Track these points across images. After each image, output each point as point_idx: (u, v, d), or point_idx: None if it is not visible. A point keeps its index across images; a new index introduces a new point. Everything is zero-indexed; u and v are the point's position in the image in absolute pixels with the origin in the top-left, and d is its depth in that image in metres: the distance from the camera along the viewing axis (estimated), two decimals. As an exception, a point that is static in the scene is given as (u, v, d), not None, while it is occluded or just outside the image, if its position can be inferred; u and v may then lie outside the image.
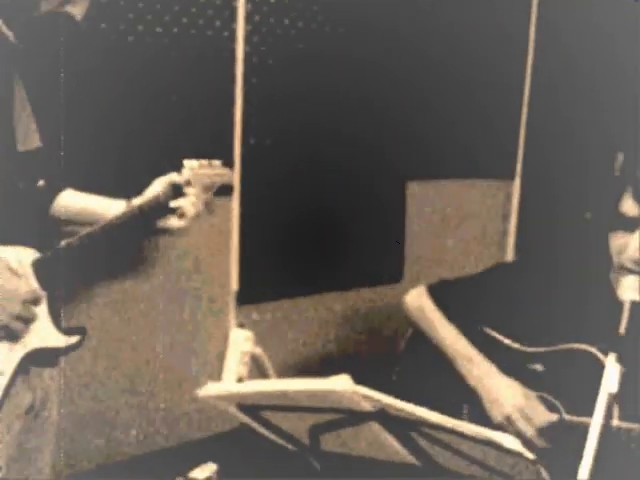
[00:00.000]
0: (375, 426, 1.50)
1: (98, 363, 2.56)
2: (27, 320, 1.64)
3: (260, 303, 2.96)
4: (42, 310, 1.71)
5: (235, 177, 2.67)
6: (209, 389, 1.45)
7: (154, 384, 2.71)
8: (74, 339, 1.76)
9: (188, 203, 1.85)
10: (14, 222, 1.71)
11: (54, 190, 1.93)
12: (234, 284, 2.85)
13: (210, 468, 2.51)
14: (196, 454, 2.60)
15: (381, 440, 1.54)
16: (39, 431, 1.85)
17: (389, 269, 3.33)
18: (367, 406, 1.43)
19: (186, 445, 2.78)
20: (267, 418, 1.60)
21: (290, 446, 1.77)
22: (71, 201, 1.94)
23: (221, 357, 2.82)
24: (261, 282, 2.91)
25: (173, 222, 1.86)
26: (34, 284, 1.68)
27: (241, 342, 2.81)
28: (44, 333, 1.71)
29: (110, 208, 1.89)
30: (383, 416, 1.46)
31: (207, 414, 2.83)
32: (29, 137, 1.82)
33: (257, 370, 2.89)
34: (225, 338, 2.81)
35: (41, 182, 1.88)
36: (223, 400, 1.50)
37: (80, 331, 1.78)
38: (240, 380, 2.80)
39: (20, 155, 1.78)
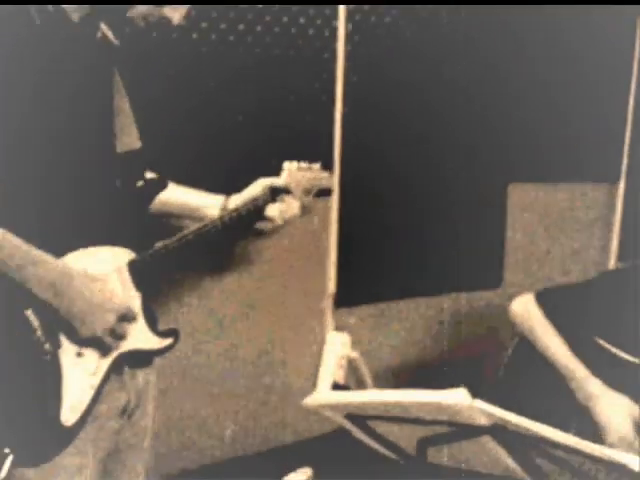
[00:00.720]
0: (488, 440, 1.44)
1: (192, 365, 2.55)
2: (119, 336, 1.62)
3: (357, 306, 2.91)
4: (138, 312, 1.69)
5: (334, 180, 2.62)
6: (317, 398, 1.41)
7: (249, 386, 2.69)
8: (168, 341, 1.75)
9: (285, 207, 1.85)
10: (112, 223, 1.69)
11: (154, 190, 1.94)
12: (331, 287, 2.82)
13: (305, 472, 2.49)
14: (291, 458, 2.60)
15: (493, 455, 1.48)
16: (133, 433, 1.83)
17: (488, 274, 3.25)
18: (483, 420, 1.37)
19: (280, 449, 2.75)
20: (373, 427, 1.56)
21: (394, 456, 1.72)
22: (170, 196, 1.94)
23: (317, 360, 2.79)
24: (358, 285, 2.87)
25: (269, 225, 1.86)
26: (127, 287, 1.67)
27: (338, 345, 2.77)
28: (138, 334, 1.69)
29: (207, 203, 1.90)
30: (498, 431, 1.41)
31: (302, 418, 2.80)
32: (129, 138, 1.82)
33: (353, 374, 2.85)
34: (321, 341, 2.78)
35: (140, 183, 1.89)
36: (331, 410, 1.45)
37: (174, 333, 1.76)
38: (336, 384, 2.76)
39: (119, 156, 1.77)
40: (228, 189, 1.92)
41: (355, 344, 2.82)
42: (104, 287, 1.62)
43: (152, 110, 2.06)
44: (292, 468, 2.47)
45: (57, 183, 1.60)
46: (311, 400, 1.42)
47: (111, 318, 1.60)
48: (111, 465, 1.81)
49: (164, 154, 2.11)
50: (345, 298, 2.85)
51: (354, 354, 2.79)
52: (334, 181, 2.61)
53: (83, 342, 1.60)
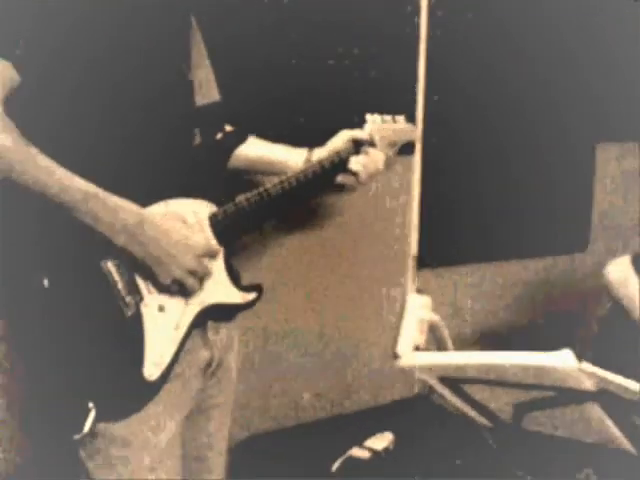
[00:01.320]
0: (594, 407, 1.35)
1: (274, 322, 2.49)
2: (201, 276, 1.57)
3: (439, 268, 2.82)
4: (219, 266, 1.65)
5: (417, 134, 2.51)
6: (412, 358, 1.34)
7: (329, 347, 2.63)
8: (251, 296, 1.71)
9: (369, 160, 1.79)
10: (191, 176, 1.66)
11: (233, 143, 1.89)
12: (413, 247, 2.73)
13: (386, 437, 2.43)
14: (370, 423, 2.54)
15: (597, 422, 1.39)
16: (217, 390, 1.80)
17: (574, 237, 3.12)
18: (588, 385, 1.28)
19: (360, 413, 2.69)
20: (467, 392, 1.49)
21: (485, 421, 1.65)
22: (251, 150, 1.89)
23: (397, 323, 2.71)
24: (441, 246, 2.77)
25: (352, 179, 1.80)
26: (211, 239, 1.61)
27: (418, 309, 2.68)
28: (221, 289, 1.65)
29: (290, 157, 1.84)
30: (603, 396, 1.31)
31: (381, 382, 2.75)
32: (208, 90, 1.78)
33: (434, 339, 2.77)
34: (402, 303, 2.70)
35: (220, 135, 1.84)
36: (426, 371, 1.37)
37: (257, 288, 1.72)
38: (417, 347, 2.68)
39: (198, 109, 1.73)
40: (310, 143, 1.86)
41: (437, 308, 2.72)
42: (180, 226, 1.57)
43: (231, 62, 2.01)
44: (372, 432, 2.42)
45: (136, 136, 1.56)
46: (406, 360, 1.35)
47: (191, 258, 1.55)
48: (195, 424, 1.79)
49: (244, 107, 2.05)
50: (427, 260, 2.75)
51: (436, 318, 2.70)
52: (417, 135, 2.49)
53: (164, 289, 1.55)
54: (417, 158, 2.66)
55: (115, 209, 1.48)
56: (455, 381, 1.43)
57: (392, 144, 1.86)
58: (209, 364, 1.72)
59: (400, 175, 2.65)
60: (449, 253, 2.79)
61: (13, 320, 1.54)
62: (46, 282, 1.46)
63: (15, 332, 1.57)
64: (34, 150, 1.43)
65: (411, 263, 2.72)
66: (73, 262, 1.49)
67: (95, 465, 1.59)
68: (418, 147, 2.63)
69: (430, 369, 1.41)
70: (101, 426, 1.53)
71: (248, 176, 1.91)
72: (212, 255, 1.61)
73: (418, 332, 2.67)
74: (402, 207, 2.70)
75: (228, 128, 1.87)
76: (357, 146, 1.80)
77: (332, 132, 1.85)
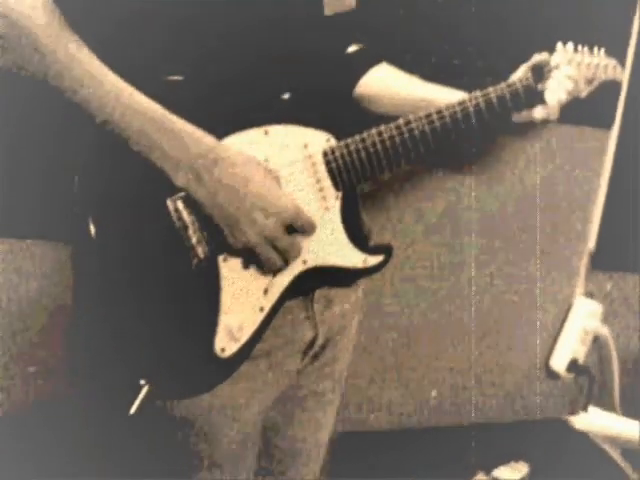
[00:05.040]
0: None
1: (398, 296, 2.07)
2: (284, 250, 1.18)
3: (617, 272, 2.32)
4: (333, 217, 1.25)
5: (623, 75, 1.80)
6: (588, 421, 0.94)
7: (467, 342, 2.19)
8: (375, 259, 1.29)
9: (556, 87, 1.38)
10: (311, 98, 1.26)
11: (365, 62, 1.49)
12: (591, 242, 2.24)
13: (521, 469, 2.00)
14: (501, 445, 2.11)
15: None
16: (318, 377, 1.43)
17: None
18: None
19: (491, 430, 2.25)
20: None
21: None
22: (384, 77, 1.49)
23: (556, 327, 2.26)
24: (623, 246, 2.27)
25: (538, 111, 1.39)
26: (321, 181, 1.23)
27: (585, 315, 2.22)
28: (334, 247, 1.26)
29: (439, 94, 1.43)
30: None
31: (522, 396, 2.29)
32: None
33: (597, 354, 2.30)
34: (567, 305, 2.23)
35: (352, 48, 1.45)
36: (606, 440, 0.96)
37: (385, 250, 1.30)
38: (574, 361, 2.22)
39: (327, 20, 1.35)
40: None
41: (606, 318, 2.25)
42: (268, 178, 1.18)
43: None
44: (503, 458, 1.99)
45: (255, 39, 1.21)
46: (580, 424, 0.96)
47: (275, 222, 1.16)
48: (285, 415, 1.43)
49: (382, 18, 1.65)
50: (605, 260, 2.27)
51: (604, 330, 2.24)
52: (623, 75, 1.89)
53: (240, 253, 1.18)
54: (616, 128, 2.15)
55: (182, 139, 1.13)
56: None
57: (588, 80, 1.45)
58: (311, 344, 1.35)
59: (588, 149, 2.16)
60: (632, 256, 2.29)
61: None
62: (92, 229, 1.13)
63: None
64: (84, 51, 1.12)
65: (585, 260, 2.24)
66: (126, 200, 1.15)
67: None
68: (622, 99, 2.10)
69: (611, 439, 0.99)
70: (159, 404, 1.20)
71: (376, 110, 1.50)
72: (305, 228, 1.21)
73: (579, 343, 2.23)
74: (586, 193, 2.21)
75: (354, 47, 1.48)
76: (538, 75, 1.39)
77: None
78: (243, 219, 1.14)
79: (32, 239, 1.71)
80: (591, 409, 2.03)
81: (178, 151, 1.12)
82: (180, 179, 1.13)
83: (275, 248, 1.17)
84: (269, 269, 1.19)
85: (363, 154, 1.25)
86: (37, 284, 1.72)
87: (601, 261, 2.27)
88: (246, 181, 1.14)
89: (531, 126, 1.46)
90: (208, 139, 1.14)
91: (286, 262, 1.19)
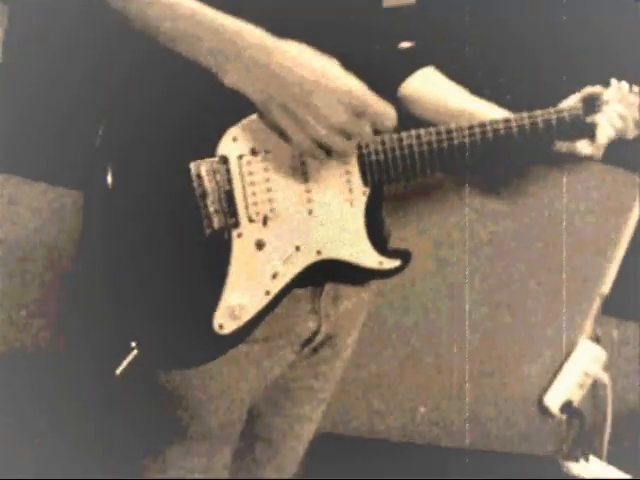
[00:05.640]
0: None
1: (408, 309, 2.04)
2: (352, 135, 1.10)
3: (627, 320, 2.27)
4: (356, 212, 1.21)
5: None
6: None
7: (465, 362, 2.15)
8: (392, 263, 1.25)
9: (606, 123, 1.35)
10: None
11: (417, 60, 1.46)
12: (606, 284, 2.20)
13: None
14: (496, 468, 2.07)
15: None
16: (313, 372, 1.40)
17: None
18: None
19: (477, 456, 2.21)
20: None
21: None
22: (433, 83, 1.46)
23: (555, 366, 2.21)
24: (637, 296, 2.23)
25: (583, 146, 1.37)
26: (354, 177, 1.19)
27: (587, 359, 2.18)
28: (352, 243, 1.21)
29: (482, 109, 1.41)
30: None
31: (516, 426, 2.24)
32: None
33: (591, 400, 2.25)
34: (571, 343, 2.19)
35: (404, 44, 1.41)
36: None
37: (403, 256, 1.26)
38: (569, 403, 2.18)
39: (385, 12, 1.31)
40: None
41: (608, 365, 2.20)
42: (324, 61, 1.09)
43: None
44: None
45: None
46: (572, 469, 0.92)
47: (343, 111, 1.06)
48: (272, 404, 1.40)
49: (439, 21, 1.61)
50: (616, 306, 2.22)
51: (604, 377, 2.19)
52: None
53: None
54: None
55: (229, 33, 1.07)
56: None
57: (637, 123, 1.42)
58: (312, 337, 1.31)
59: (619, 192, 2.12)
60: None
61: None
62: (109, 179, 1.09)
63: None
64: None
65: (597, 303, 2.19)
66: (149, 155, 1.11)
67: None
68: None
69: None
70: (163, 374, 1.19)
71: (415, 112, 1.46)
72: (376, 112, 1.10)
73: (577, 386, 2.19)
74: (609, 236, 2.16)
75: (406, 44, 1.44)
76: (588, 107, 1.35)
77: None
78: (302, 110, 1.06)
79: (43, 181, 1.68)
80: (592, 459, 1.99)
81: (226, 44, 1.06)
82: (229, 76, 1.07)
83: (344, 134, 1.09)
84: (341, 157, 1.14)
85: (398, 154, 1.21)
86: (39, 224, 1.69)
87: (612, 307, 2.22)
88: (302, 67, 1.06)
89: (570, 158, 1.43)
90: (257, 32, 1.08)
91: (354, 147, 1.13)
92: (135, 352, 1.10)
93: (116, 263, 1.11)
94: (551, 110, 1.31)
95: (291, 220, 1.16)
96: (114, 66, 1.14)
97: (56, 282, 1.66)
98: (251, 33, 1.07)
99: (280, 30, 1.11)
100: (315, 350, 1.35)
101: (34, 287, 1.69)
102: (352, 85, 1.08)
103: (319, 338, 1.32)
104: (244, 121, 1.12)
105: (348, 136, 1.09)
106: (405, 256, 1.26)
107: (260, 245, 1.14)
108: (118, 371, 1.10)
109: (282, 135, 1.10)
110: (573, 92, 1.42)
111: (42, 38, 1.51)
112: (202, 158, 1.11)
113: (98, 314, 1.13)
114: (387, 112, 1.10)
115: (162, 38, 1.07)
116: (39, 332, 1.71)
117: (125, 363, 1.10)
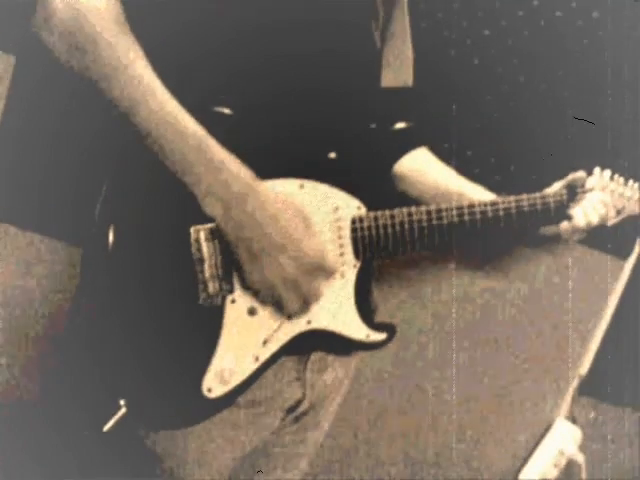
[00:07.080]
0: None
1: (393, 375, 2.07)
2: (306, 297, 1.18)
3: (603, 402, 2.30)
4: (347, 285, 1.25)
5: None
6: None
7: (437, 428, 2.16)
8: (378, 336, 1.29)
9: (589, 209, 1.40)
10: (353, 168, 1.27)
11: (411, 141, 1.50)
12: (585, 366, 2.23)
13: None
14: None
15: None
16: (294, 440, 1.41)
17: None
18: None
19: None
20: None
21: None
22: (424, 164, 1.50)
23: (531, 443, 2.22)
24: (615, 378, 2.26)
25: (565, 227, 1.40)
26: (342, 248, 1.23)
27: (563, 438, 2.20)
28: (341, 315, 1.25)
29: (471, 191, 1.44)
30: None
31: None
32: (400, 73, 1.45)
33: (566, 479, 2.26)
34: (547, 422, 2.21)
35: (399, 125, 1.45)
36: None
37: (389, 329, 1.30)
38: (543, 483, 2.19)
39: (382, 92, 1.40)
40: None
41: (584, 447, 2.22)
42: (297, 220, 1.17)
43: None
44: None
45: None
46: None
47: (298, 267, 1.15)
48: (250, 466, 1.40)
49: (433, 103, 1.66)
50: (594, 388, 2.25)
51: (579, 457, 2.21)
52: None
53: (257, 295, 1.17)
54: (631, 261, 2.16)
55: (219, 169, 1.12)
56: None
57: (617, 211, 1.47)
58: (295, 406, 1.33)
59: (600, 274, 2.17)
60: (625, 389, 2.27)
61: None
62: (111, 237, 1.13)
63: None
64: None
65: (575, 383, 2.22)
66: (150, 218, 1.15)
67: None
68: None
69: None
70: (151, 435, 1.21)
71: (407, 191, 1.52)
72: (326, 274, 1.20)
73: (552, 465, 2.20)
74: (590, 318, 2.20)
75: (399, 125, 1.49)
76: (571, 193, 1.41)
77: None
78: (266, 258, 1.13)
79: (43, 235, 1.71)
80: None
81: (212, 179, 1.12)
82: (209, 207, 1.12)
83: (295, 290, 1.16)
84: (287, 312, 1.19)
85: (390, 230, 1.25)
86: (36, 278, 1.71)
87: (589, 388, 2.25)
88: (275, 219, 1.13)
89: (553, 240, 1.47)
90: (245, 172, 1.14)
91: (307, 305, 1.18)
92: (123, 410, 1.12)
93: (111, 321, 1.13)
94: (537, 195, 1.37)
95: (284, 289, 1.19)
96: (121, 126, 1.18)
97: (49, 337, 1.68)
98: (239, 172, 1.13)
99: (278, 104, 1.18)
100: (297, 419, 1.36)
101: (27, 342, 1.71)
102: (313, 247, 1.16)
103: (303, 407, 1.34)
104: None
105: (298, 291, 1.16)
106: (391, 330, 1.29)
107: (253, 312, 1.17)
108: (106, 428, 1.11)
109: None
110: (559, 177, 1.47)
111: (47, 93, 1.55)
112: (202, 224, 1.15)
113: (89, 370, 1.15)
114: (332, 270, 1.20)
115: (153, 143, 1.12)
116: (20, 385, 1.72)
117: (113, 420, 1.11)
